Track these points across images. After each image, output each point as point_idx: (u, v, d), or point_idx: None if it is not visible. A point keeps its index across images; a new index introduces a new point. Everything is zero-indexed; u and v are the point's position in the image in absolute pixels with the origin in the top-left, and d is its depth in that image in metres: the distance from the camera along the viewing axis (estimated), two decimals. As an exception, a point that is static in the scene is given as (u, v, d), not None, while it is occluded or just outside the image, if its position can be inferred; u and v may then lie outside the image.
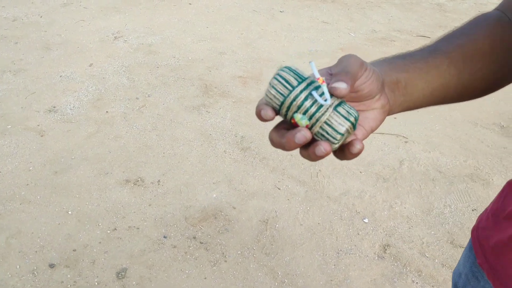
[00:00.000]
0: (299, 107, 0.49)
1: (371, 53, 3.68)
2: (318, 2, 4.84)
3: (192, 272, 1.87)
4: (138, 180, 2.30)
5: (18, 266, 1.85)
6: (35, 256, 1.90)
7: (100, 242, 1.98)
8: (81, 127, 2.66)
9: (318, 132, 0.49)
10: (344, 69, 0.51)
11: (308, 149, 0.50)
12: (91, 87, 3.05)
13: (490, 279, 0.69)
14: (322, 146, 0.48)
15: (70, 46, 3.53)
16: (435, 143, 2.68)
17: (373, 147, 2.63)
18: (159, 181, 2.31)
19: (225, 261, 1.93)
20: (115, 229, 2.04)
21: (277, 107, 0.50)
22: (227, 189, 2.29)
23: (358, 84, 0.53)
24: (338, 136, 0.49)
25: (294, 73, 0.50)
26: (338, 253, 1.99)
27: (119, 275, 1.84)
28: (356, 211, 2.21)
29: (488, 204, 0.77)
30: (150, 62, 3.36)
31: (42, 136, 2.59)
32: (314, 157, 0.50)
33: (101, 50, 3.49)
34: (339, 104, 0.50)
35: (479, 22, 0.67)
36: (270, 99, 0.50)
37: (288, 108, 0.49)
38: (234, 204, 2.21)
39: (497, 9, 0.70)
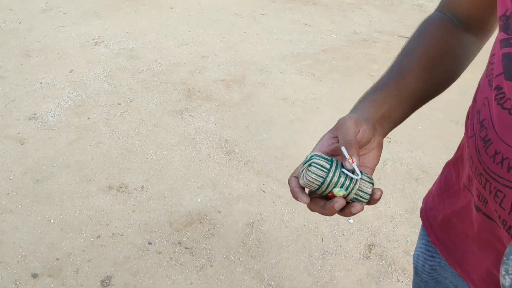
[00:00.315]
0: (336, 184, 0.62)
1: (353, 54, 3.71)
2: (299, 4, 4.86)
3: (178, 278, 1.85)
4: (122, 187, 2.28)
5: (0, 277, 1.82)
6: (17, 266, 1.87)
7: (83, 250, 1.95)
8: (62, 134, 2.63)
9: (354, 197, 0.63)
10: (346, 139, 0.63)
11: (344, 210, 0.63)
12: (72, 93, 3.01)
13: (443, 255, 0.75)
14: (358, 206, 0.62)
15: (50, 52, 3.48)
16: (418, 142, 2.71)
17: (356, 148, 2.64)
18: (142, 187, 2.29)
19: (211, 266, 1.92)
20: (99, 236, 2.01)
21: (317, 187, 0.62)
22: (211, 193, 2.28)
23: (358, 138, 0.65)
24: (368, 196, 0.64)
25: (322, 158, 0.63)
26: (324, 254, 1.99)
27: (104, 283, 1.82)
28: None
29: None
30: (132, 67, 3.33)
31: (22, 144, 2.55)
32: (350, 215, 0.63)
33: (81, 56, 3.45)
34: (361, 173, 0.64)
35: (427, 29, 0.78)
36: (311, 182, 0.62)
37: (328, 186, 0.62)
38: (219, 208, 2.20)
39: (437, 10, 0.79)
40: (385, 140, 2.72)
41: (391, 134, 2.73)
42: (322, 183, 0.62)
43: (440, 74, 0.76)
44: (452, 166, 0.76)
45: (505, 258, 0.49)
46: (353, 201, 0.63)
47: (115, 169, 2.38)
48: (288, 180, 0.66)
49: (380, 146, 0.71)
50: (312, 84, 3.30)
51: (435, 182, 0.83)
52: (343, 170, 0.62)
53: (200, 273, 1.88)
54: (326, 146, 0.67)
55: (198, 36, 3.88)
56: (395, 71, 0.75)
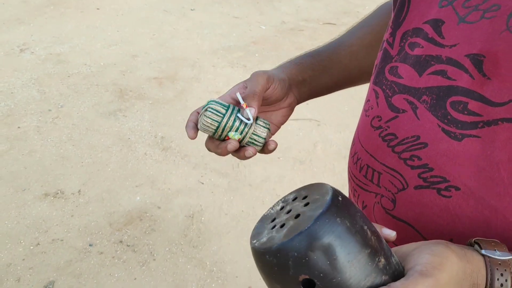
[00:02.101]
0: (231, 128, 0.65)
1: (282, 44, 3.83)
2: (228, -2, 4.93)
3: (122, 275, 1.89)
4: (58, 193, 2.27)
5: None
6: (-47, 283, 1.83)
7: (23, 259, 1.94)
8: (-9, 146, 2.57)
9: (248, 141, 0.67)
10: (251, 89, 0.66)
11: (238, 152, 0.67)
12: (0, 103, 2.93)
13: None
14: (250, 150, 0.66)
15: (-29, 63, 3.36)
16: (345, 124, 2.87)
17: (288, 133, 2.76)
18: (79, 191, 2.29)
19: (154, 260, 1.97)
20: (38, 244, 2.01)
21: (213, 131, 0.65)
22: (150, 190, 2.32)
23: (267, 94, 0.68)
24: (262, 140, 0.68)
25: (218, 103, 0.66)
26: (262, 236, 2.10)
27: (46, 289, 1.83)
28: (277, 194, 2.32)
29: None
30: (61, 72, 3.28)
31: (-51, 159, 2.46)
32: (244, 158, 0.66)
33: (6, 64, 3.35)
34: (257, 119, 0.68)
35: (379, 13, 0.78)
36: (207, 126, 0.65)
37: (223, 129, 0.65)
38: (159, 204, 2.25)
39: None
40: (315, 124, 2.85)
41: (319, 117, 2.86)
42: (218, 127, 0.65)
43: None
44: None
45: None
46: (248, 145, 0.67)
47: (50, 176, 2.37)
48: (190, 115, 0.69)
49: (290, 108, 0.73)
50: (245, 76, 3.39)
51: None
52: (238, 115, 0.65)
53: (144, 268, 1.93)
54: (234, 93, 0.69)
55: (127, 35, 3.86)
56: (334, 44, 0.77)
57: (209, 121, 0.65)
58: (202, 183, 2.39)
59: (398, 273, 0.41)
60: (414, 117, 0.51)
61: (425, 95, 0.49)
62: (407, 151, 0.52)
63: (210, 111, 0.65)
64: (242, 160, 2.53)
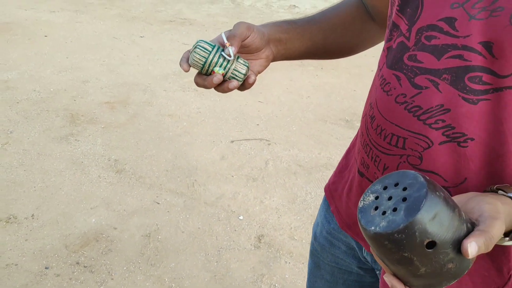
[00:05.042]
0: (216, 63, 0.77)
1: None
2: (176, 25, 5.05)
3: (80, 296, 1.90)
4: (10, 218, 2.25)
5: None
6: None
7: (-25, 287, 1.90)
8: None
9: (230, 76, 0.79)
10: (233, 32, 0.78)
11: (222, 85, 0.79)
12: None
13: (337, 220, 0.92)
14: (234, 83, 0.79)
15: None
16: (293, 142, 3.02)
17: (241, 153, 2.87)
18: (33, 215, 2.28)
19: (112, 279, 1.98)
20: (-9, 270, 1.97)
21: (201, 65, 0.77)
22: (105, 212, 2.34)
23: (247, 42, 0.80)
24: (242, 75, 0.80)
25: (206, 43, 0.78)
26: (219, 250, 2.17)
27: (1, 314, 1.80)
28: (232, 210, 2.41)
29: None
30: (9, 98, 3.24)
31: None
32: (228, 90, 0.79)
33: (-50, 92, 3.27)
34: (238, 58, 0.79)
35: (346, 2, 0.95)
36: (196, 61, 0.77)
37: (209, 65, 0.77)
38: (115, 225, 2.27)
39: None
40: (265, 143, 3.00)
41: (270, 137, 3.00)
42: (205, 62, 0.77)
43: (339, 39, 0.93)
44: (351, 149, 0.93)
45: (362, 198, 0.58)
46: (231, 79, 0.79)
47: (1, 202, 2.33)
48: (183, 53, 0.81)
49: (267, 60, 0.86)
50: (196, 99, 3.49)
51: (338, 164, 0.99)
52: (222, 53, 0.77)
53: (102, 287, 1.94)
54: (219, 38, 0.81)
55: (76, 62, 3.87)
56: (306, 18, 0.92)
57: (198, 57, 0.76)
58: (158, 203, 2.43)
59: (472, 222, 0.55)
60: (436, 91, 0.65)
61: (445, 74, 0.64)
62: (432, 117, 0.66)
63: (199, 48, 0.77)
64: (197, 179, 2.61)
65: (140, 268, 2.05)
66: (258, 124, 3.19)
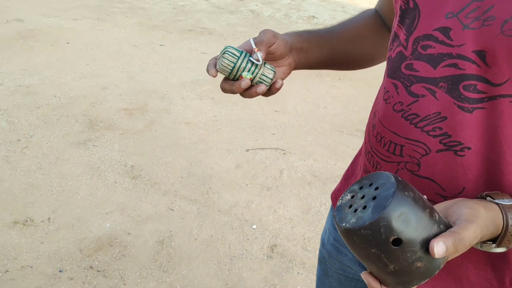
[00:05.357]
0: (244, 68, 0.78)
1: (248, 78, 3.99)
2: (196, 34, 5.11)
3: (92, 300, 1.91)
4: (27, 220, 2.28)
5: None
6: None
7: (-10, 287, 1.93)
8: (-42, 176, 2.55)
9: (258, 80, 0.80)
10: (260, 39, 0.80)
11: (250, 90, 0.80)
12: (-34, 133, 2.93)
13: None
14: (261, 87, 0.80)
15: None
16: (309, 152, 3.01)
17: (256, 162, 2.87)
18: (49, 218, 2.31)
19: (124, 284, 1.99)
20: (7, 271, 2.00)
21: (229, 70, 0.78)
22: (120, 217, 2.36)
23: (273, 48, 0.82)
24: (270, 80, 0.81)
25: (234, 49, 0.79)
26: (231, 259, 2.16)
27: (15, 316, 1.82)
28: (245, 219, 2.41)
29: None
30: (30, 103, 3.31)
31: None
32: (255, 95, 0.80)
33: (-26, 96, 3.36)
34: (264, 63, 0.80)
35: (363, 15, 0.97)
36: (225, 66, 0.78)
37: (238, 70, 0.78)
38: (129, 230, 2.29)
39: (375, 8, 1.01)
40: (281, 152, 2.99)
41: (285, 146, 3.00)
42: (233, 67, 0.78)
43: (357, 50, 0.95)
44: (358, 157, 0.96)
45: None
46: (258, 84, 0.81)
47: (19, 205, 2.37)
48: (210, 60, 0.82)
49: (290, 67, 0.88)
50: (213, 108, 3.51)
51: (345, 171, 1.00)
52: (250, 58, 0.79)
53: (114, 292, 1.95)
54: (246, 45, 0.83)
55: (97, 68, 3.93)
56: (326, 29, 0.94)
57: (227, 62, 0.78)
58: (172, 210, 2.44)
59: (447, 224, 0.56)
60: (434, 99, 0.66)
61: (442, 82, 0.65)
62: (430, 124, 0.67)
63: (227, 54, 0.78)
64: (211, 187, 2.61)
65: (153, 274, 2.06)
66: (274, 134, 3.19)
